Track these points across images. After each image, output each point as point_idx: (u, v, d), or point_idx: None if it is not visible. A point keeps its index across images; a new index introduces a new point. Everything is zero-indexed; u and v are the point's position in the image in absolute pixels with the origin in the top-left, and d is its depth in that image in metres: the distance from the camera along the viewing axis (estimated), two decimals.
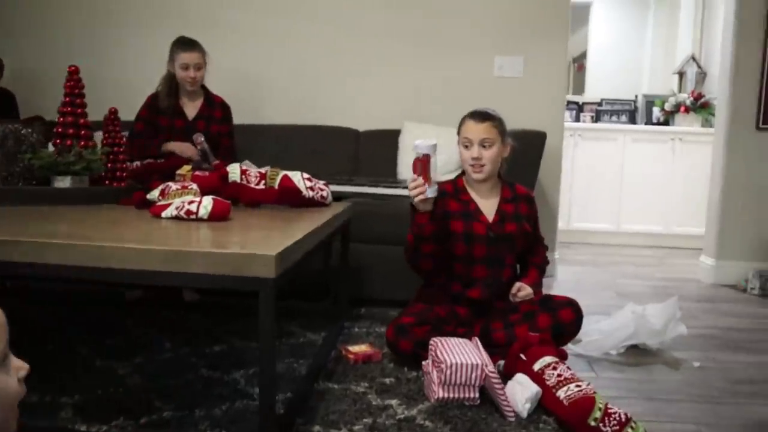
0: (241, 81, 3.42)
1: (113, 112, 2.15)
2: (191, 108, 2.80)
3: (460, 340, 1.60)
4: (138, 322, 2.24)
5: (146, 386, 1.65)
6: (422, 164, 1.53)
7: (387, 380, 1.72)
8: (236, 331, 2.14)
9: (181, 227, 1.52)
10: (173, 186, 1.82)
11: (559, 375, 1.55)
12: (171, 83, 2.76)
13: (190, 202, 1.63)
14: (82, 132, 2.05)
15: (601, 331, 2.08)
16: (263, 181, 1.99)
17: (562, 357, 1.70)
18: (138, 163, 2.72)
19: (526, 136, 2.45)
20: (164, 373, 1.74)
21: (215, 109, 2.83)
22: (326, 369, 1.80)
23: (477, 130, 1.95)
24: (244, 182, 1.98)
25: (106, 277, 1.22)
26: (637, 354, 2.06)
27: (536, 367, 1.60)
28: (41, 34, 3.56)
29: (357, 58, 3.36)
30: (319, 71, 3.39)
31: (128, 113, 2.90)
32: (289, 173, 2.02)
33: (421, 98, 3.32)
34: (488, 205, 2.03)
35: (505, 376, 1.69)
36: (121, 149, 2.14)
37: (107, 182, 2.10)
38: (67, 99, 2.04)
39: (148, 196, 1.85)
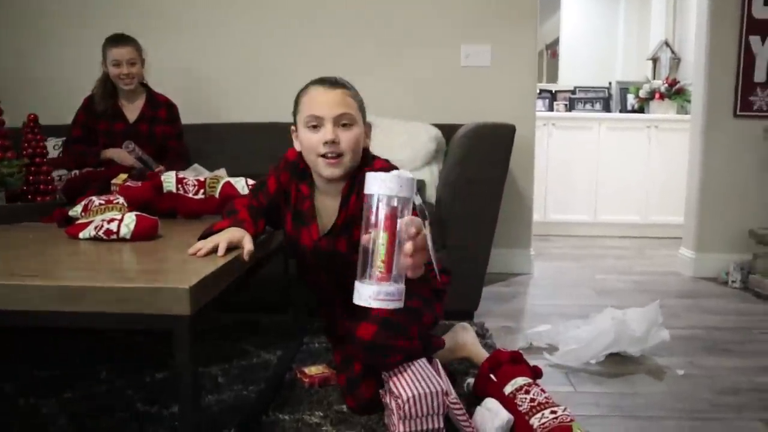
0: (194, 79, 3.21)
1: (32, 119, 1.94)
2: (132, 110, 2.60)
3: (417, 364, 1.43)
4: (77, 345, 2.03)
5: (69, 430, 1.46)
6: (389, 226, 0.92)
7: (344, 407, 1.54)
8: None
9: (96, 252, 1.33)
10: (96, 201, 1.62)
11: (532, 399, 1.38)
12: (107, 84, 2.55)
13: (110, 221, 1.44)
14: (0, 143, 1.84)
15: (579, 340, 1.93)
16: (202, 190, 1.80)
17: (537, 375, 1.54)
18: (76, 172, 2.51)
19: (495, 129, 2.27)
20: (94, 411, 1.55)
21: (159, 109, 2.62)
22: (279, 396, 1.62)
23: (329, 102, 1.40)
24: (181, 192, 1.79)
25: None
26: (617, 362, 1.91)
27: (507, 390, 1.44)
28: None
29: (317, 51, 3.16)
30: (278, 67, 3.19)
31: (64, 118, 2.69)
32: (232, 180, 1.84)
33: (387, 92, 3.13)
34: (329, 206, 1.52)
35: (475, 397, 1.54)
36: (44, 159, 1.93)
37: (30, 197, 1.90)
38: None
39: (70, 213, 1.65)
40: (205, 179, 1.81)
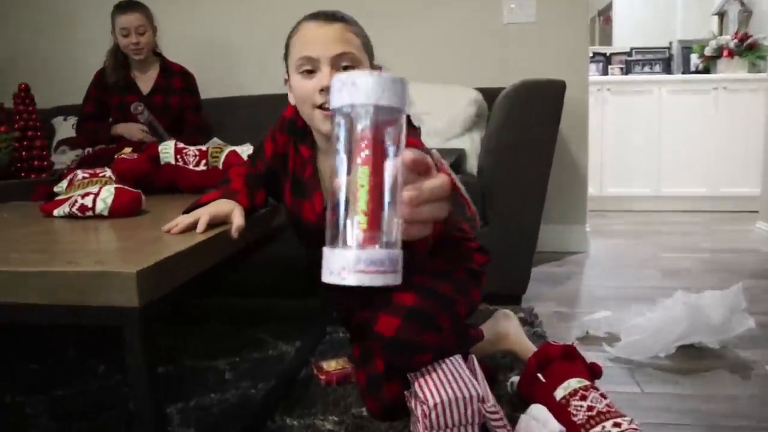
0: (216, 49, 3.00)
1: (23, 89, 1.76)
2: (145, 81, 2.41)
3: (449, 363, 1.17)
4: (80, 336, 1.87)
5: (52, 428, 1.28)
6: (372, 156, 0.54)
7: (363, 411, 1.31)
8: (190, 344, 1.75)
9: (62, 231, 1.12)
10: (80, 174, 1.42)
11: (589, 407, 1.12)
12: (117, 55, 2.37)
13: (86, 195, 1.24)
14: None
15: (645, 328, 1.64)
16: (204, 161, 1.58)
17: (595, 374, 1.26)
18: (89, 150, 2.35)
19: (541, 86, 1.97)
20: (83, 410, 1.37)
21: (174, 78, 2.42)
22: (291, 396, 1.40)
23: (325, 40, 1.13)
24: (181, 163, 1.58)
25: None
26: (692, 356, 1.61)
27: (559, 394, 1.17)
28: None
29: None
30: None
31: (77, 96, 2.54)
32: (238, 148, 1.61)
33: (422, 53, 2.86)
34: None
35: (520, 399, 1.29)
36: (37, 133, 1.76)
37: (23, 174, 1.72)
38: None
39: (55, 189, 1.46)
40: (208, 148, 1.59)
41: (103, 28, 2.41)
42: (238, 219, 1.08)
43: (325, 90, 1.10)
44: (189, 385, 1.48)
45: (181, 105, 2.42)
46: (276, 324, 1.89)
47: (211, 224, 1.06)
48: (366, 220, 0.51)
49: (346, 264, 0.50)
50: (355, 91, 0.50)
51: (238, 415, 1.32)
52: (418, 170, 0.54)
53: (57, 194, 1.44)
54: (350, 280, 0.50)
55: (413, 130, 1.18)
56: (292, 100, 1.22)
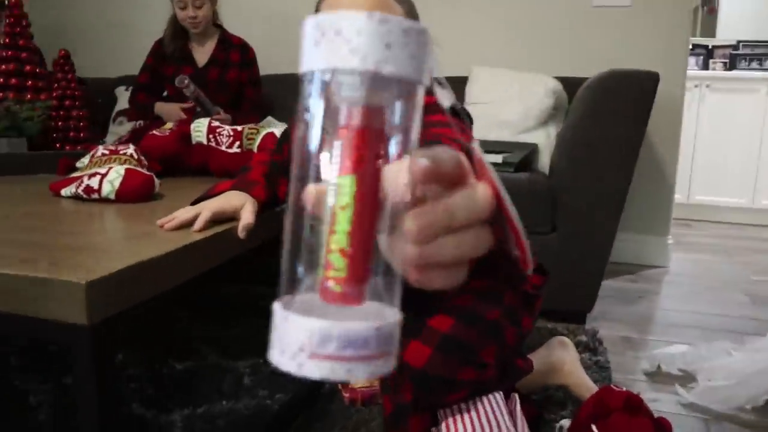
0: (277, 23, 2.87)
1: (63, 56, 1.67)
2: (202, 53, 2.30)
3: (486, 402, 0.98)
4: None
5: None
6: (365, 148, 0.31)
7: None
8: (213, 339, 1.63)
9: (49, 216, 1.00)
10: (101, 150, 1.31)
11: None
12: (176, 24, 2.27)
13: (93, 175, 1.12)
14: (29, 83, 1.59)
15: (730, 372, 1.38)
16: (238, 143, 1.44)
17: (664, 430, 1.04)
18: (141, 123, 2.28)
19: (630, 77, 1.72)
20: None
21: (231, 51, 2.30)
22: (307, 413, 1.25)
23: (360, 5, 0.93)
24: (213, 144, 1.44)
25: None
26: None
27: None
28: None
29: None
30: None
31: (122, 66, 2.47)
32: (276, 130, 1.46)
33: (494, 37, 2.62)
34: None
35: None
36: (75, 103, 1.67)
37: (58, 145, 1.64)
38: (7, 40, 1.58)
39: (78, 164, 1.36)
40: (243, 129, 1.45)
41: None
42: (247, 216, 0.93)
43: None
44: (203, 386, 1.35)
45: (239, 80, 2.31)
46: None
47: (215, 220, 0.91)
48: (345, 265, 0.30)
49: (306, 341, 0.29)
50: (340, 45, 0.28)
51: (246, 431, 1.18)
52: (439, 180, 0.30)
53: (78, 170, 1.34)
54: (310, 369, 0.29)
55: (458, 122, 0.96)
56: None
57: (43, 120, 1.56)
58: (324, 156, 0.30)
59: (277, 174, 1.10)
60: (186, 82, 2.04)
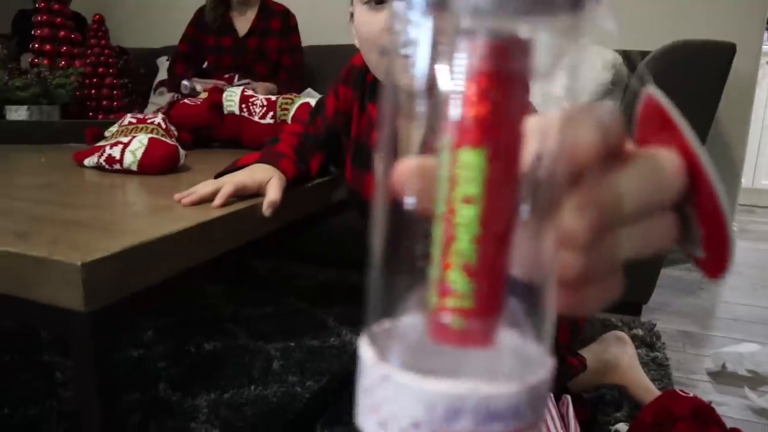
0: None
1: (97, 20, 1.61)
2: (243, 21, 2.22)
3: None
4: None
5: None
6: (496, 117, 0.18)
7: None
8: (244, 318, 1.57)
9: (64, 188, 0.93)
10: (128, 118, 1.24)
11: None
12: None
13: (116, 144, 1.05)
14: (63, 49, 1.54)
15: None
16: (271, 113, 1.35)
17: None
18: (179, 95, 2.22)
19: (702, 48, 1.56)
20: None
21: (272, 18, 2.21)
22: (341, 400, 1.18)
23: None
24: (246, 114, 1.36)
25: None
26: None
27: None
28: None
29: None
30: None
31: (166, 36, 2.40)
32: (312, 100, 1.37)
33: None
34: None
35: None
36: (109, 70, 1.61)
37: (91, 114, 1.59)
38: (42, 5, 1.52)
39: (106, 133, 1.30)
40: (277, 98, 1.36)
41: None
42: (273, 191, 0.84)
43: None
44: (231, 369, 1.29)
45: (279, 48, 2.21)
46: (345, 305, 1.66)
47: (238, 195, 0.82)
48: (472, 289, 0.19)
49: (423, 415, 0.18)
50: None
51: (273, 420, 1.11)
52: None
53: (105, 139, 1.28)
54: None
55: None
56: (357, 42, 0.93)
57: (75, 88, 1.50)
58: (432, 117, 0.19)
59: (311, 147, 1.01)
60: (188, 88, 1.97)
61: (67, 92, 1.48)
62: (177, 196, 0.80)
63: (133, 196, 0.86)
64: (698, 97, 1.51)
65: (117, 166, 1.03)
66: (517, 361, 0.20)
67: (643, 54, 1.97)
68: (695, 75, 1.51)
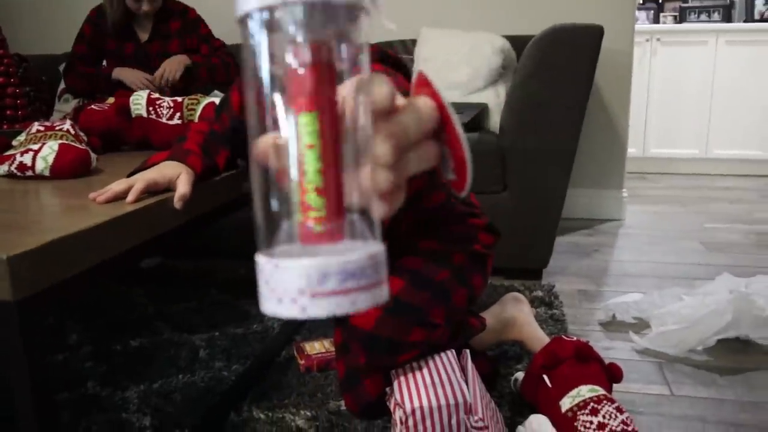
0: None
1: None
2: (143, 26, 2.20)
3: (438, 360, 0.99)
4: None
5: None
6: (321, 81, 0.30)
7: (341, 406, 1.15)
8: (169, 315, 1.60)
9: None
10: (36, 126, 1.25)
11: (601, 425, 0.92)
12: (121, 3, 2.13)
13: (26, 152, 1.07)
14: None
15: (681, 317, 1.42)
16: (178, 114, 1.40)
17: (614, 379, 1.07)
18: (84, 101, 2.19)
19: (573, 33, 1.71)
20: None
21: (171, 21, 2.21)
22: (264, 382, 1.25)
23: None
24: (153, 116, 1.40)
25: None
26: (734, 351, 1.39)
27: (565, 404, 0.98)
28: None
29: None
30: None
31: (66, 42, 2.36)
32: (216, 100, 1.42)
33: None
34: None
35: (522, 401, 1.10)
36: (10, 80, 1.60)
37: None
38: None
39: (13, 142, 1.30)
40: (183, 100, 1.41)
41: None
42: (183, 186, 0.90)
43: None
44: (159, 362, 1.34)
45: (184, 49, 2.21)
46: None
47: (149, 191, 0.88)
48: (323, 202, 0.29)
49: (304, 283, 0.28)
50: None
51: (202, 403, 1.17)
52: (383, 101, 0.30)
53: (13, 148, 1.29)
54: (315, 309, 0.28)
55: (386, 69, 0.93)
56: None
57: None
58: (277, 99, 0.30)
59: (217, 143, 1.08)
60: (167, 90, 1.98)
61: None
62: (92, 195, 0.85)
63: (48, 199, 0.90)
64: (572, 76, 1.67)
65: (29, 173, 1.06)
66: (360, 245, 0.30)
67: (529, 38, 2.13)
68: (567, 57, 1.67)
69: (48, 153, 1.06)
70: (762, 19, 4.02)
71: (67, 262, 0.68)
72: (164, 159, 0.96)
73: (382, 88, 0.29)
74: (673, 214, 2.84)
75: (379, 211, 0.30)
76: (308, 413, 1.12)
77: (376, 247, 0.30)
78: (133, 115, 1.40)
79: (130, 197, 0.84)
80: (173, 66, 2.06)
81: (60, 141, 1.09)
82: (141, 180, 0.86)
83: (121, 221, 0.77)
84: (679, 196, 3.26)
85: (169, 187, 0.91)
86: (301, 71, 0.29)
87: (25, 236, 0.66)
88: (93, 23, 2.23)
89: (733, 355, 1.38)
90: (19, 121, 1.63)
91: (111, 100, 1.68)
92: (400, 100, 0.32)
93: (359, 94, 0.30)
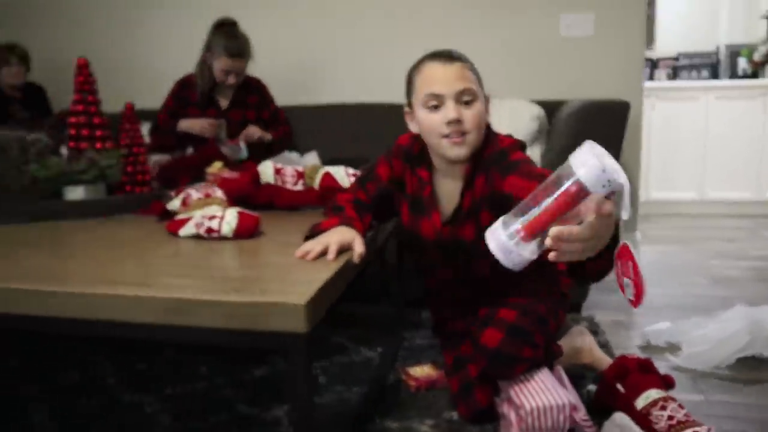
0: (291, 59, 3.12)
1: (129, 108, 1.92)
2: (224, 95, 2.55)
3: (540, 374, 1.30)
4: None
5: (174, 428, 1.44)
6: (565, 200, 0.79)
7: (454, 415, 1.45)
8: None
9: (198, 254, 1.27)
10: (194, 194, 1.57)
11: (670, 417, 1.24)
12: (205, 70, 2.47)
13: (211, 218, 1.38)
14: (98, 133, 1.83)
15: (707, 340, 1.75)
16: (301, 181, 1.73)
17: (669, 385, 1.38)
18: (167, 157, 2.50)
19: (606, 108, 2.08)
20: (196, 411, 1.52)
21: (249, 95, 2.56)
22: (384, 400, 1.54)
23: (448, 78, 1.29)
24: (279, 183, 1.72)
25: (91, 331, 0.98)
26: (752, 367, 1.71)
27: (639, 404, 1.30)
28: (62, 21, 3.39)
29: (408, 24, 3.01)
30: (374, 41, 3.05)
31: (156, 102, 2.68)
32: (331, 169, 1.75)
33: (481, 65, 2.94)
34: (451, 191, 1.42)
35: (594, 408, 1.41)
36: (141, 149, 1.91)
37: (128, 188, 1.88)
38: (78, 96, 1.82)
39: (168, 206, 1.62)
40: (304, 169, 1.73)
41: (176, 33, 2.54)
42: (359, 246, 1.22)
43: (452, 122, 1.28)
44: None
45: (258, 119, 2.55)
46: (354, 329, 2.02)
47: (339, 251, 1.19)
48: (526, 225, 0.82)
49: (498, 240, 0.84)
50: (592, 173, 0.74)
51: (341, 417, 1.46)
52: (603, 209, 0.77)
53: (171, 211, 1.59)
54: (493, 249, 0.85)
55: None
56: (414, 128, 1.40)
57: (121, 167, 1.80)
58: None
59: (362, 210, 1.41)
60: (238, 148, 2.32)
61: (118, 171, 1.78)
62: (298, 254, 1.16)
63: (261, 258, 1.22)
64: (607, 142, 2.02)
65: (215, 235, 1.37)
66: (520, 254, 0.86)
67: (556, 102, 2.50)
68: (600, 128, 2.03)
69: (231, 219, 1.37)
70: (745, 76, 4.47)
71: (325, 302, 0.99)
72: (336, 224, 1.28)
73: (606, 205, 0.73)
74: (678, 253, 3.19)
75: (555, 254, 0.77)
76: (430, 422, 1.42)
77: (525, 255, 0.84)
78: (262, 182, 1.72)
79: (331, 255, 1.14)
80: (260, 131, 2.42)
81: (237, 209, 1.41)
82: (334, 242, 1.18)
83: (341, 272, 1.08)
84: (680, 236, 3.62)
85: (349, 247, 1.22)
86: (568, 188, 0.75)
87: (295, 285, 0.98)
88: (176, 96, 2.56)
89: (751, 370, 1.70)
90: (147, 184, 1.94)
91: (215, 167, 1.99)
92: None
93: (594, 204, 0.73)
